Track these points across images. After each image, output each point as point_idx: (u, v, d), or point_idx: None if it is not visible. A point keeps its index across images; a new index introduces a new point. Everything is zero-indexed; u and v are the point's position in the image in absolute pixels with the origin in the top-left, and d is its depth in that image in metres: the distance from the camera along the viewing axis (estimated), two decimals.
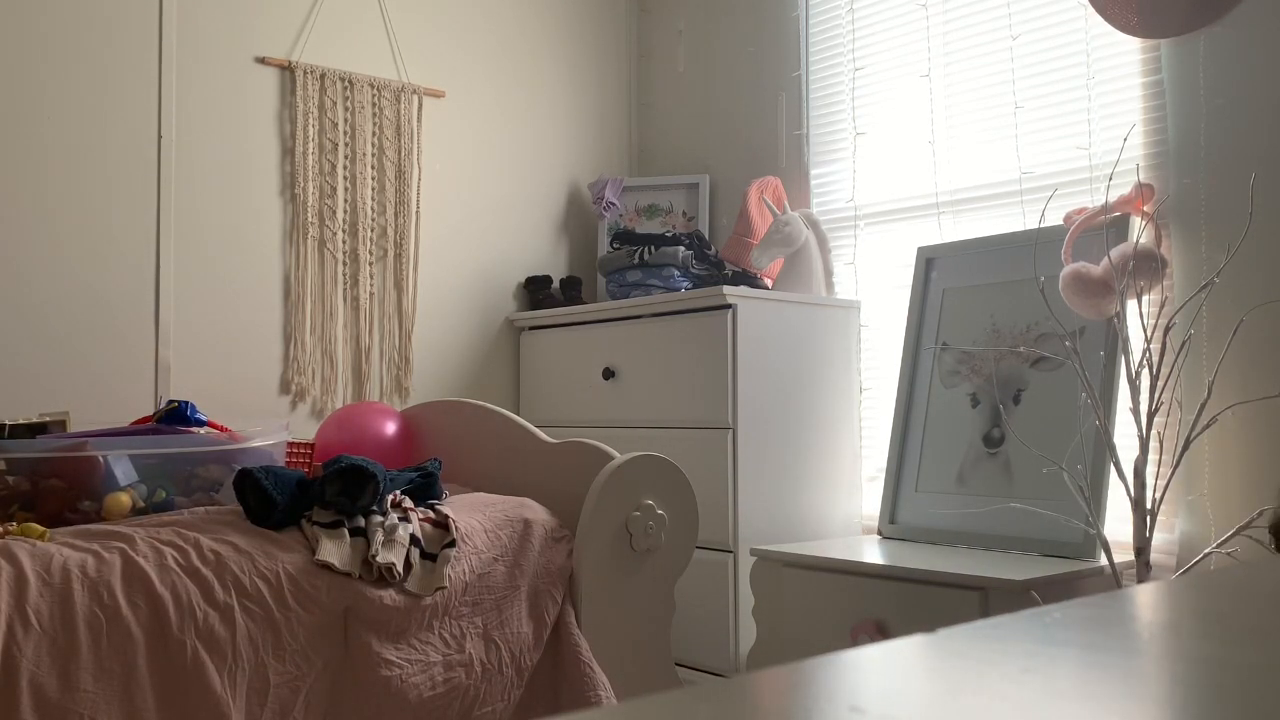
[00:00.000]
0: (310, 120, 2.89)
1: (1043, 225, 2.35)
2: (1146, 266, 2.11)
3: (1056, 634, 0.50)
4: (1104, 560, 2.04)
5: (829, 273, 2.89)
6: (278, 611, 1.64)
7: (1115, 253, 2.13)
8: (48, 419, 2.14)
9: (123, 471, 1.83)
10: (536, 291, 3.27)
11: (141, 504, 1.84)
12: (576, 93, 3.50)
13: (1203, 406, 1.99)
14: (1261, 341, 2.14)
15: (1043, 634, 0.50)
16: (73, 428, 2.18)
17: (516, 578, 1.91)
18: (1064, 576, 2.02)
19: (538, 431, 2.27)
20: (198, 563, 1.61)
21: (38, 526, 1.64)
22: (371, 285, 2.99)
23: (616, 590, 2.02)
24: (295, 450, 2.36)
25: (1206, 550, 2.02)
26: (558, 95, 3.45)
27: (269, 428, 2.06)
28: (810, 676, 0.42)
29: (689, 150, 3.45)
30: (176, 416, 2.05)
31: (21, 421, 2.09)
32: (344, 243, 2.95)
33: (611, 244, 3.15)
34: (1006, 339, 2.45)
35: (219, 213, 2.77)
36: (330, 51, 2.96)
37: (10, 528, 1.65)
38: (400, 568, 1.75)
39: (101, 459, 1.82)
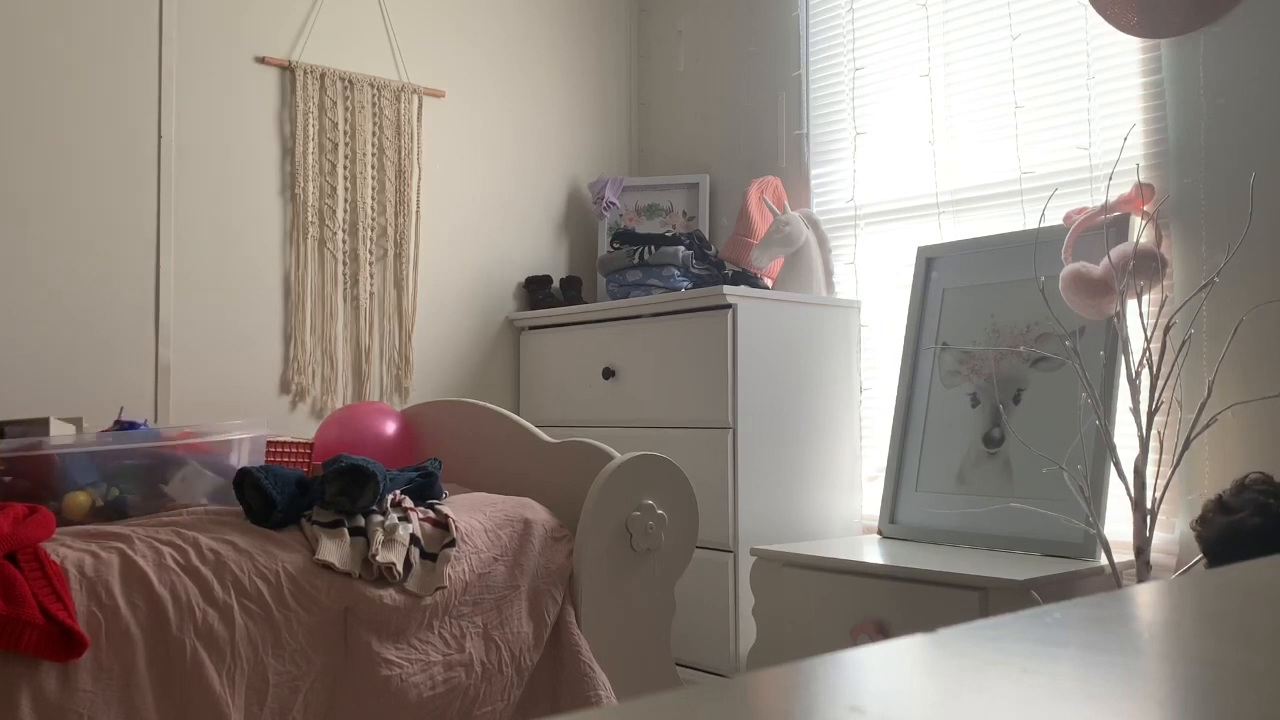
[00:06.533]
0: (310, 120, 2.89)
1: (1043, 225, 2.35)
2: (1146, 266, 2.11)
3: (1056, 634, 0.50)
4: (1104, 560, 2.04)
5: (829, 272, 2.89)
6: (277, 611, 1.64)
7: (1115, 253, 2.13)
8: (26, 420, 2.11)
9: (81, 470, 1.81)
10: (536, 291, 3.27)
11: (100, 503, 1.83)
12: (576, 93, 3.50)
13: (1203, 406, 1.99)
14: (1261, 341, 2.14)
15: (1043, 634, 0.50)
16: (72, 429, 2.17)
17: (516, 577, 1.91)
18: (1064, 576, 2.02)
19: (538, 431, 2.27)
20: (197, 562, 1.61)
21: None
22: (371, 285, 2.99)
23: (616, 590, 2.02)
24: (295, 450, 2.36)
25: None
26: (558, 95, 3.45)
27: (245, 425, 2.03)
28: (810, 676, 0.42)
29: (689, 150, 3.45)
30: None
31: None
32: (344, 243, 2.95)
33: (611, 244, 3.15)
34: (1006, 339, 2.45)
35: (219, 213, 2.77)
36: (330, 51, 2.96)
37: None
38: (400, 567, 1.75)
39: (58, 458, 1.80)
